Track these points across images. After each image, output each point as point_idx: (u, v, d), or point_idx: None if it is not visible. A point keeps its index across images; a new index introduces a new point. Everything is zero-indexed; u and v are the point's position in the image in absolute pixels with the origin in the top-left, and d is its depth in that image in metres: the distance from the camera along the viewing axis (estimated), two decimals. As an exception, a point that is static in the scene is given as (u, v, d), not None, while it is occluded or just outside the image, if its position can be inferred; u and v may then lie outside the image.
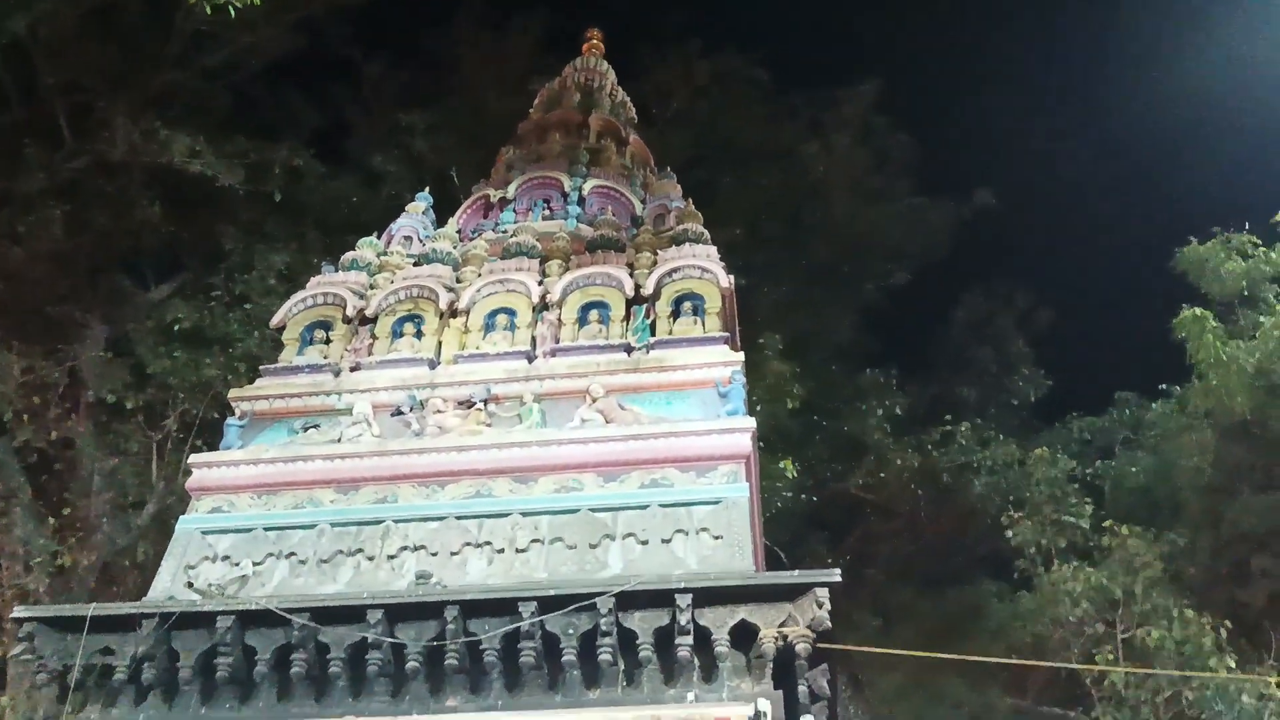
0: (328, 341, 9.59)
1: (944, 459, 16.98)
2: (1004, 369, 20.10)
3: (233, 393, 9.24)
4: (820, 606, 6.87)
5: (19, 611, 7.30)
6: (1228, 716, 10.73)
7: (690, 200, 11.80)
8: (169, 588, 7.69)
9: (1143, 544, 12.62)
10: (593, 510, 7.95)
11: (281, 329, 9.83)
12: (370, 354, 9.44)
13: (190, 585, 7.58)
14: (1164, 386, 15.97)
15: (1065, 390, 20.01)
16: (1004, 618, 13.61)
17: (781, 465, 16.11)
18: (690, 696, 6.73)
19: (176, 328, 14.66)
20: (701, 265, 9.61)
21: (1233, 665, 10.77)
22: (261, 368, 9.46)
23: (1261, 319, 13.51)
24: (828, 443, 18.38)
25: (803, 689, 6.86)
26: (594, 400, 8.75)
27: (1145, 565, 12.44)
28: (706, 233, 10.36)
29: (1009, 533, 14.04)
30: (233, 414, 9.06)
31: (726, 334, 9.29)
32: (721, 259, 9.77)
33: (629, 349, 9.16)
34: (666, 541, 7.71)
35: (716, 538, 7.69)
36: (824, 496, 17.23)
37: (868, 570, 15.73)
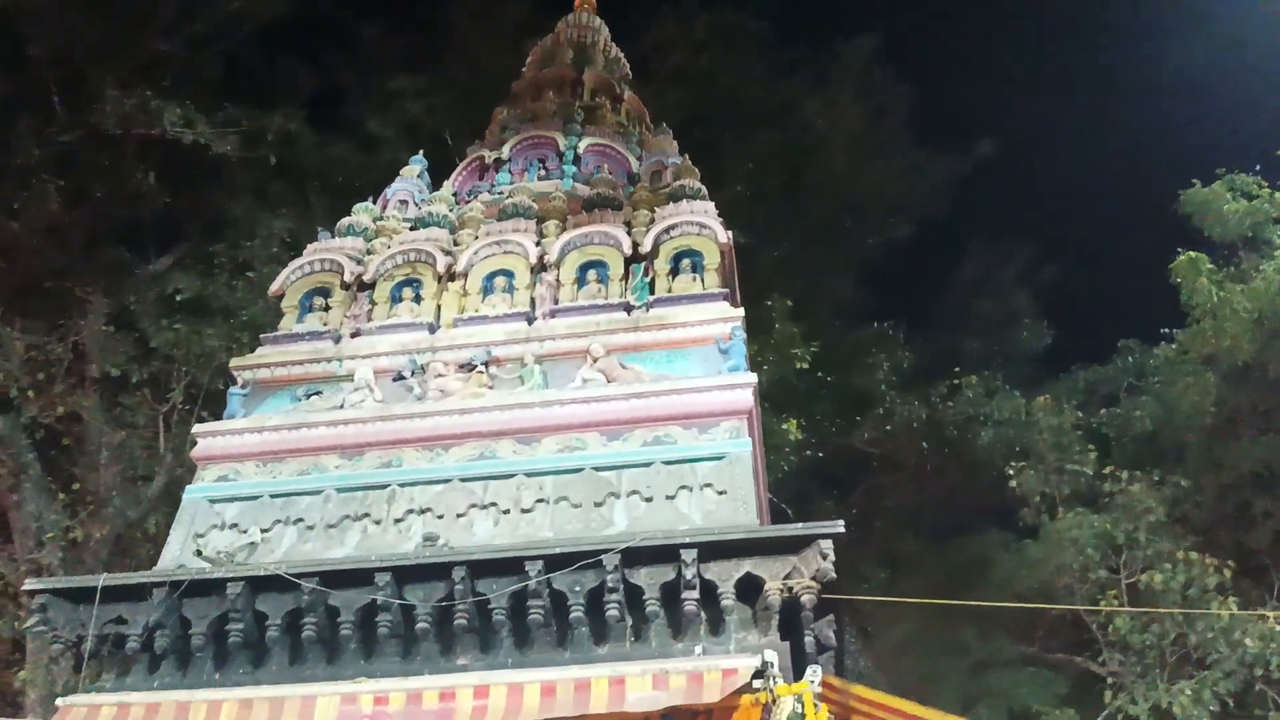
0: (327, 308, 9.58)
1: (950, 412, 17.01)
2: (1008, 321, 20.06)
3: (234, 362, 9.26)
4: (825, 558, 6.90)
5: (30, 584, 7.37)
6: (1231, 658, 10.82)
7: (688, 157, 11.71)
8: (179, 556, 7.77)
9: (1146, 489, 12.65)
10: (596, 469, 7.98)
11: (281, 297, 9.82)
12: (370, 320, 9.43)
13: (199, 553, 7.64)
14: (1166, 331, 15.96)
15: (1069, 341, 20.01)
16: (1010, 567, 13.71)
17: (785, 427, 16.14)
18: (697, 649, 6.79)
19: (178, 299, 14.64)
20: (699, 221, 9.55)
21: (1235, 608, 10.85)
22: (262, 336, 9.47)
23: (1263, 262, 13.44)
24: (833, 399, 18.40)
25: (809, 639, 6.90)
26: (595, 360, 8.75)
27: (1148, 510, 12.49)
28: (704, 188, 10.28)
29: (1013, 482, 14.09)
30: (235, 383, 9.09)
31: (726, 290, 9.26)
32: (722, 218, 9.71)
33: (628, 308, 9.14)
34: (671, 498, 7.74)
35: (720, 493, 7.72)
36: (830, 453, 17.28)
37: (874, 524, 15.80)
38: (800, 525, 7.11)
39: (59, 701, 7.04)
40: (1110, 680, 11.79)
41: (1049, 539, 13.11)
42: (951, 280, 21.74)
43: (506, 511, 7.83)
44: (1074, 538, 12.49)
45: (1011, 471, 14.16)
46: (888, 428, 17.40)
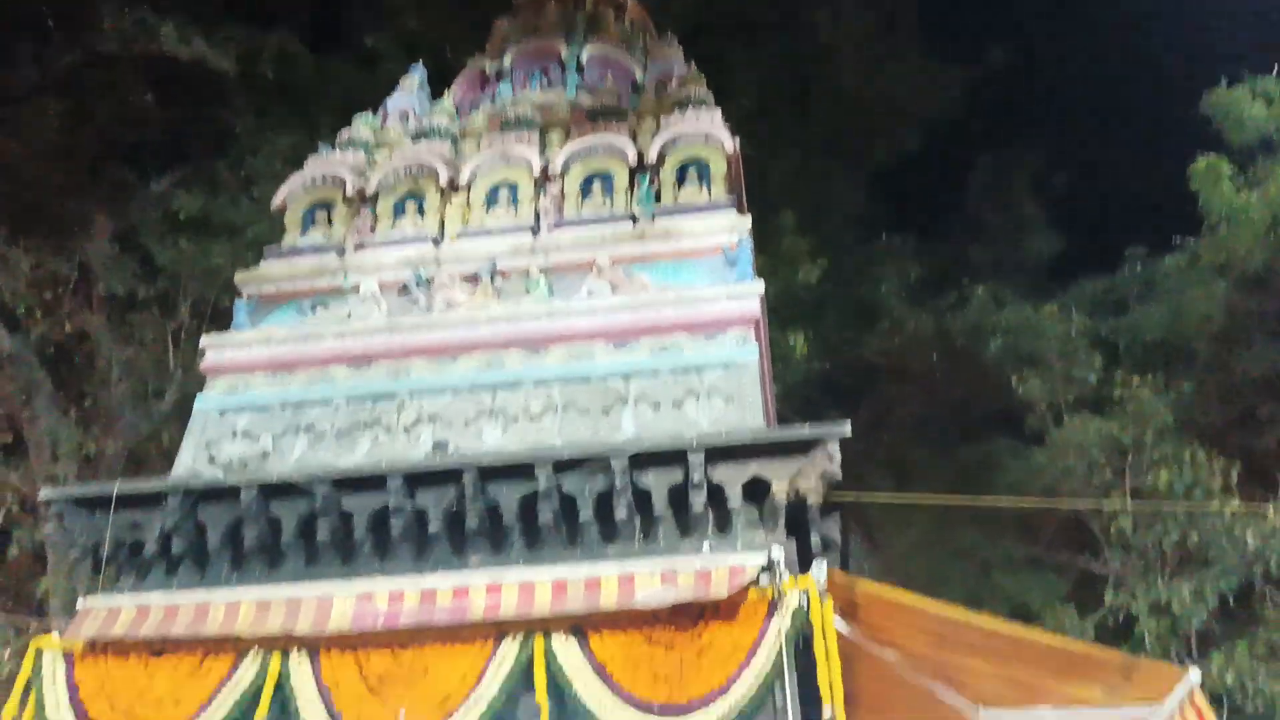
0: (330, 222, 9.54)
1: (958, 322, 16.99)
2: (1018, 230, 19.90)
3: (239, 275, 9.26)
4: (831, 459, 6.99)
5: (46, 493, 7.50)
6: (1233, 555, 10.98)
7: (694, 65, 11.49)
8: (192, 466, 7.89)
9: (1153, 394, 12.70)
10: (604, 377, 8.04)
11: (283, 211, 9.78)
12: (373, 233, 9.41)
13: (212, 461, 7.76)
14: (1177, 239, 15.81)
15: (1079, 250, 19.83)
16: (1016, 472, 13.85)
17: (792, 340, 16.13)
18: (705, 548, 6.91)
19: (182, 217, 14.60)
20: (705, 130, 9.42)
21: (1238, 507, 10.97)
22: (265, 249, 9.46)
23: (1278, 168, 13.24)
24: (842, 311, 18.39)
25: (815, 538, 7.04)
26: (600, 271, 8.73)
27: (1155, 415, 12.55)
28: (710, 96, 10.12)
29: (1019, 390, 14.14)
30: (241, 298, 9.11)
31: (733, 198, 9.18)
32: (729, 130, 9.57)
33: (634, 219, 9.09)
34: (678, 405, 7.80)
35: (727, 400, 7.78)
36: (838, 365, 17.34)
37: (882, 434, 15.93)
38: (807, 427, 7.18)
39: (80, 603, 7.23)
40: (1112, 579, 12.00)
41: (1055, 445, 13.22)
42: (961, 190, 21.52)
43: (515, 419, 7.91)
44: (1080, 442, 12.59)
45: (1018, 380, 14.20)
46: (895, 339, 17.41)
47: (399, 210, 9.48)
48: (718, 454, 7.03)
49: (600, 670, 6.34)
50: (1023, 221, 20.09)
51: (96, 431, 13.20)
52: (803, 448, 7.04)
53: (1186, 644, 10.90)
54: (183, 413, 8.93)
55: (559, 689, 6.32)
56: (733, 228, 8.82)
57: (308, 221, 9.59)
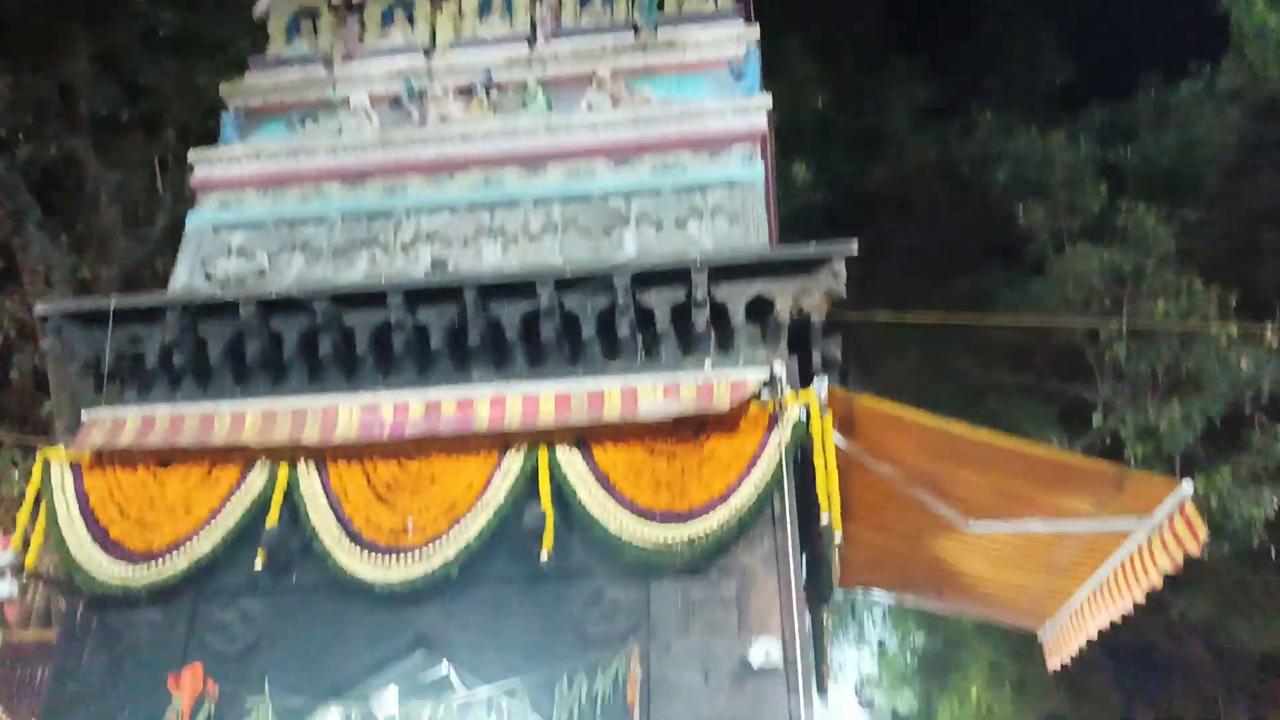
0: (315, 32, 9.12)
1: (964, 150, 16.57)
2: (1031, 56, 19.14)
3: (224, 87, 8.91)
4: (836, 277, 6.92)
5: (43, 307, 7.42)
6: (1224, 381, 11.08)
7: None
8: (188, 282, 7.79)
9: (1156, 222, 12.52)
10: (605, 196, 7.87)
11: (265, 21, 9.32)
12: (361, 43, 9.02)
13: (209, 278, 7.66)
14: (1195, 65, 15.25)
15: (1093, 77, 19.17)
16: (1013, 303, 13.80)
17: (795, 169, 15.67)
18: (707, 364, 6.92)
19: (163, 33, 13.93)
20: (710, -68, 8.87)
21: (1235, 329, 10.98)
22: (251, 59, 9.06)
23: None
24: (845, 141, 17.85)
25: (816, 357, 7.04)
26: (601, 84, 8.41)
27: (1158, 242, 12.40)
28: (716, -105, 9.48)
29: (1022, 218, 13.95)
30: (228, 111, 8.80)
31: (740, 7, 8.75)
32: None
33: (636, 28, 8.68)
34: (681, 225, 7.68)
35: (731, 219, 7.65)
36: (839, 196, 16.98)
37: (881, 264, 15.77)
38: (813, 245, 7.06)
39: (84, 415, 7.27)
40: (1102, 405, 12.15)
41: (1054, 275, 13.13)
42: (975, 12, 20.55)
43: (514, 239, 7.78)
44: (1080, 271, 12.49)
45: (1022, 208, 13.97)
46: (900, 168, 17.01)
47: (387, 18, 9.05)
48: (722, 272, 6.95)
49: (603, 479, 6.46)
50: (1036, 46, 19.29)
51: (90, 257, 13.02)
52: (808, 266, 6.96)
53: (1172, 467, 11.13)
54: (173, 239, 8.77)
55: (563, 497, 6.45)
56: (740, 38, 8.46)
57: (292, 31, 9.17)
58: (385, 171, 8.18)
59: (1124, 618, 7.54)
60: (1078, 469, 6.83)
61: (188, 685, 6.12)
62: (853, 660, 17.31)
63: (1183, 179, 14.59)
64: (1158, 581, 6.81)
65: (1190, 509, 6.24)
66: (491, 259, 7.65)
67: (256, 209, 8.12)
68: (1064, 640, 8.59)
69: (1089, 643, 8.24)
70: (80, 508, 6.73)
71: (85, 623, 6.66)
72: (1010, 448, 6.67)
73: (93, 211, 13.39)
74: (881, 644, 17.33)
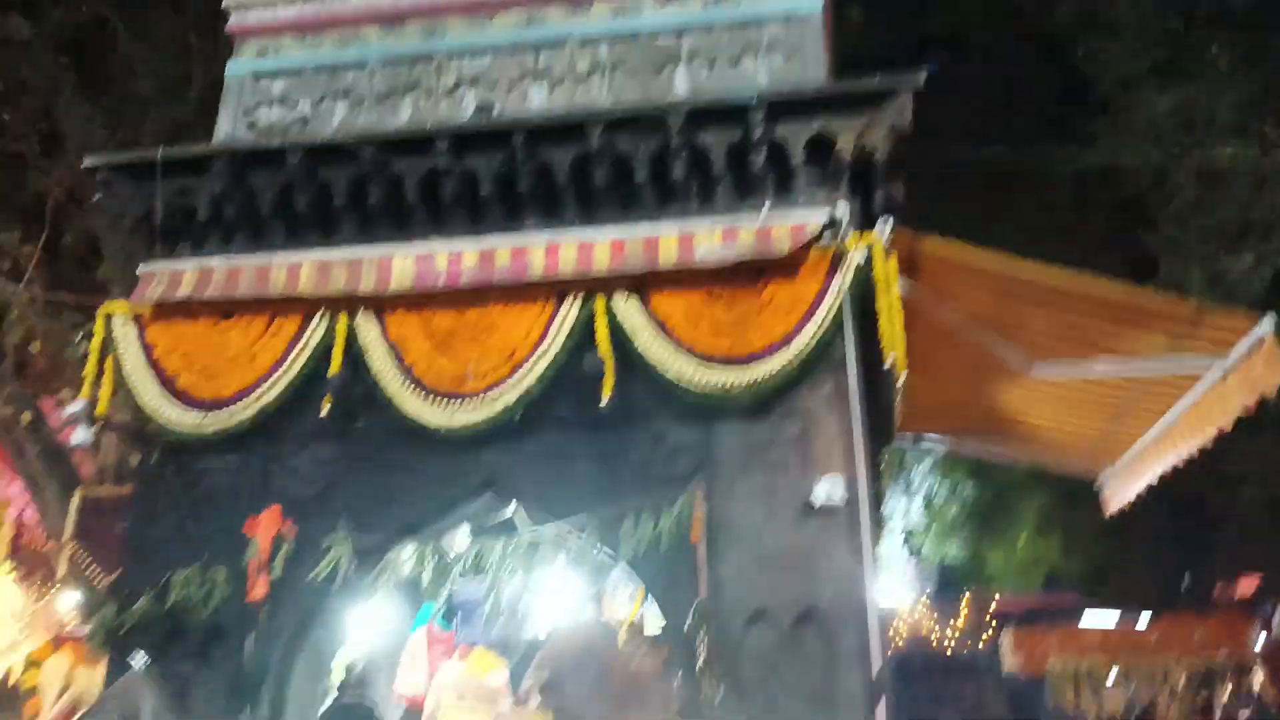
0: None
1: (1031, -14, 15.63)
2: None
3: (255, -72, 8.51)
4: (902, 113, 6.60)
5: (90, 160, 7.33)
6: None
7: None
8: (231, 132, 7.66)
9: (1230, 60, 11.80)
10: (654, 33, 7.50)
11: None
12: (395, -122, 8.52)
13: (252, 127, 7.51)
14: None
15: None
16: (1078, 145, 13.21)
17: (847, 14, 14.88)
18: (765, 207, 6.69)
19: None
20: None
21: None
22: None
23: None
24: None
25: (879, 197, 6.79)
26: (648, -86, 7.92)
27: (1232, 85, 11.73)
28: None
29: (1088, 60, 13.23)
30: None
31: None
32: None
33: None
34: (734, 62, 7.32)
35: (788, 56, 7.27)
36: (895, 38, 16.17)
37: (941, 107, 15.05)
38: (877, 78, 6.71)
39: (140, 269, 7.28)
40: (1168, 252, 11.75)
41: (1120, 118, 12.52)
42: None
43: (560, 80, 7.49)
44: (1148, 115, 11.89)
45: (1087, 49, 13.24)
46: (959, 6, 16.13)
47: None
48: (781, 109, 6.64)
49: (661, 326, 6.37)
50: None
51: (129, 120, 12.88)
52: (872, 100, 6.63)
53: (1239, 316, 10.80)
54: (209, 108, 8.56)
55: (621, 345, 6.38)
56: None
57: None
58: (422, 13, 7.84)
59: (1175, 468, 7.45)
60: (1152, 308, 6.61)
61: (265, 528, 6.28)
62: (901, 511, 17.53)
63: (1259, 16, 13.67)
64: (1227, 424, 6.68)
65: (1271, 345, 6.02)
66: (538, 102, 7.40)
67: (295, 56, 7.87)
68: (1123, 485, 8.54)
69: (1139, 493, 8.19)
70: (146, 358, 6.81)
71: (160, 471, 6.81)
72: (1083, 288, 6.45)
73: (130, 77, 13.19)
74: (929, 495, 17.49)
